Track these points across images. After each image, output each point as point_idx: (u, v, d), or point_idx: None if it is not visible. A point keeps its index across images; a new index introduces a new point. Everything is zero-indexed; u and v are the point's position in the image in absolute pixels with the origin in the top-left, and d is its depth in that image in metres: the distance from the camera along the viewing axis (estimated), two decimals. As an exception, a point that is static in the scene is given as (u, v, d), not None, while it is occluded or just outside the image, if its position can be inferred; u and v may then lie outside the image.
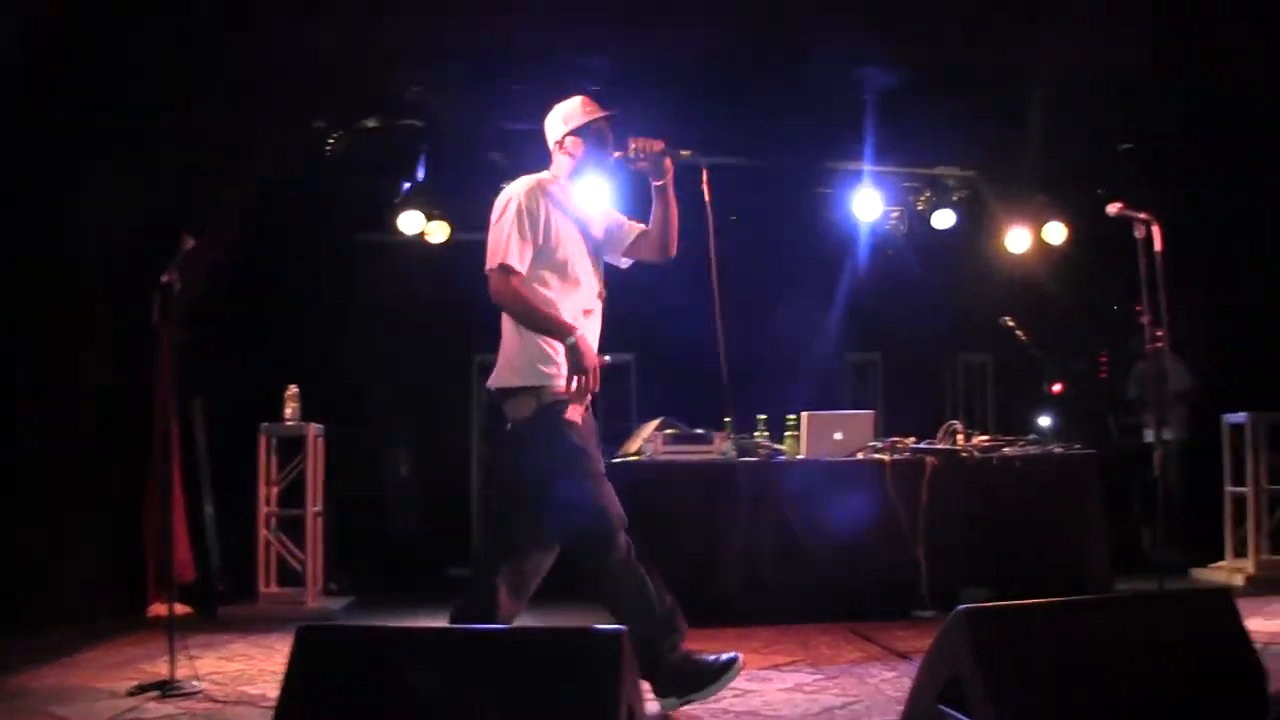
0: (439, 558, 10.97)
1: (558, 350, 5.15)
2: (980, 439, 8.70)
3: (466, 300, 10.77)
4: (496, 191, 5.44)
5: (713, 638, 7.16)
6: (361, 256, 10.44)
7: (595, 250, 5.54)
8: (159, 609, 8.04)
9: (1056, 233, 11.62)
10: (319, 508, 8.81)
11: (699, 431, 8.20)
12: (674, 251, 5.59)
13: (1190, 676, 4.11)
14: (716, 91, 9.34)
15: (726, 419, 8.24)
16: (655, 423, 8.42)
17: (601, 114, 5.61)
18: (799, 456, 8.32)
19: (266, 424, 8.66)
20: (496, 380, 5.31)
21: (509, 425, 5.27)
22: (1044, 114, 9.95)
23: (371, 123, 9.85)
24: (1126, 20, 8.10)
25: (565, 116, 5.59)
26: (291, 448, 8.74)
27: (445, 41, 8.18)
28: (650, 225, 5.57)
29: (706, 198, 5.53)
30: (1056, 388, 11.39)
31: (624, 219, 5.70)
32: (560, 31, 8.11)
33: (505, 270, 5.21)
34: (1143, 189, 9.06)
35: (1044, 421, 10.27)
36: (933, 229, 11.43)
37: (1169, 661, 4.12)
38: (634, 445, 8.42)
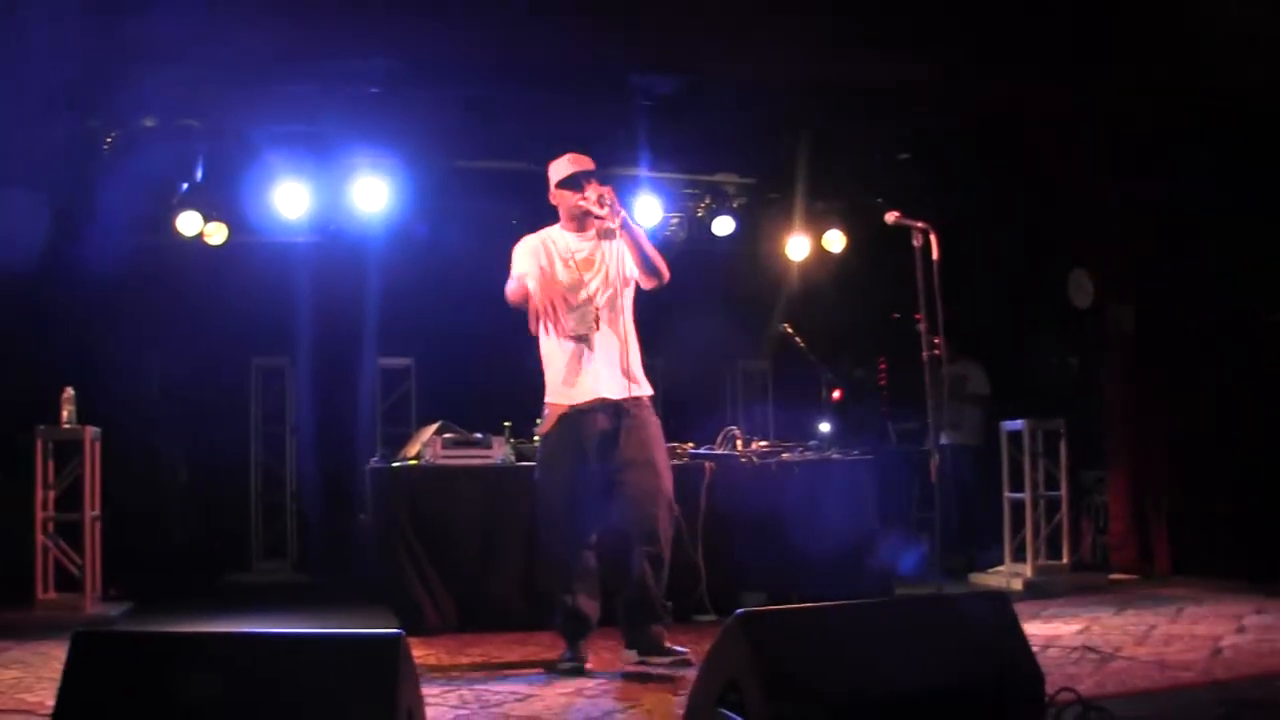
0: (218, 564, 10.75)
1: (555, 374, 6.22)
2: (759, 444, 8.71)
3: (245, 303, 10.65)
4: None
5: (490, 642, 7.09)
6: (139, 258, 10.09)
7: (592, 283, 6.25)
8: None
9: (836, 240, 11.76)
10: (97, 512, 8.44)
11: (477, 436, 8.05)
12: (664, 276, 6.25)
13: (968, 678, 4.14)
14: (495, 95, 9.26)
15: (506, 423, 8.13)
16: (434, 426, 8.26)
17: (569, 173, 6.26)
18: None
19: (42, 427, 8.27)
20: None
21: None
22: (823, 122, 10.06)
23: (149, 122, 9.53)
24: (901, 33, 8.22)
25: (551, 174, 6.33)
26: (68, 451, 8.39)
27: (219, 41, 7.91)
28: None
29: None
30: (836, 394, 11.47)
31: None
32: (336, 32, 7.92)
33: (511, 280, 6.14)
34: (922, 198, 9.21)
35: (824, 428, 10.33)
36: (713, 235, 11.45)
37: (947, 664, 4.14)
38: (412, 449, 8.25)
